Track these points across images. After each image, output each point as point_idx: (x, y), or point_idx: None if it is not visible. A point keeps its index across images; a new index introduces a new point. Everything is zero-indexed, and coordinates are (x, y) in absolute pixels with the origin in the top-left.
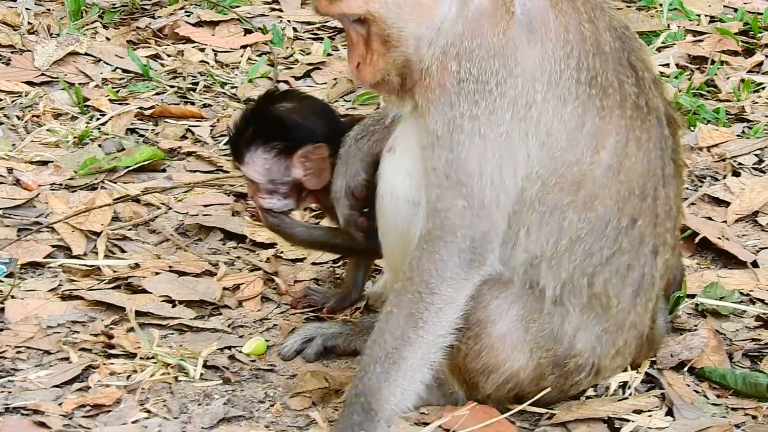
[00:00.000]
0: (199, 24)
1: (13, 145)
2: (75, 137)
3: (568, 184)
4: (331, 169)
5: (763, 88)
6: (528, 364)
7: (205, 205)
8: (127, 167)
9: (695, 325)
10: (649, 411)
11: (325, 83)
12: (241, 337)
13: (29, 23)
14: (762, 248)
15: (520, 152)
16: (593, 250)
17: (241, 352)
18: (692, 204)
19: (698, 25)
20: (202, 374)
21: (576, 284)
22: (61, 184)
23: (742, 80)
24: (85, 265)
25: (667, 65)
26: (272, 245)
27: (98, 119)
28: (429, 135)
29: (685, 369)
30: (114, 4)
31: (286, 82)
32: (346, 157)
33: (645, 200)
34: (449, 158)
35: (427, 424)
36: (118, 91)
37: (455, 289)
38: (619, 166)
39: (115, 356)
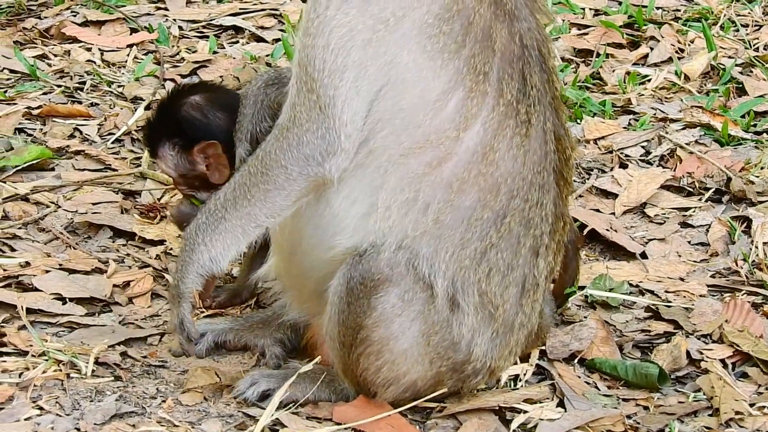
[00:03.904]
0: (86, 24)
1: None
2: None
3: (427, 154)
4: (230, 165)
5: (649, 80)
6: (427, 374)
7: (94, 203)
8: (16, 166)
9: (585, 317)
10: (540, 402)
11: (212, 81)
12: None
13: None
14: (650, 240)
15: (359, 60)
16: (464, 239)
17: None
18: (580, 196)
19: (583, 18)
20: (93, 371)
21: (464, 281)
22: None
23: (628, 73)
24: None
25: (555, 64)
26: (161, 242)
27: None
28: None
29: (576, 360)
30: (0, 5)
31: (172, 80)
32: (254, 100)
33: (513, 199)
34: (305, 43)
35: (318, 419)
36: (5, 92)
37: (286, 178)
38: (482, 156)
39: (7, 354)
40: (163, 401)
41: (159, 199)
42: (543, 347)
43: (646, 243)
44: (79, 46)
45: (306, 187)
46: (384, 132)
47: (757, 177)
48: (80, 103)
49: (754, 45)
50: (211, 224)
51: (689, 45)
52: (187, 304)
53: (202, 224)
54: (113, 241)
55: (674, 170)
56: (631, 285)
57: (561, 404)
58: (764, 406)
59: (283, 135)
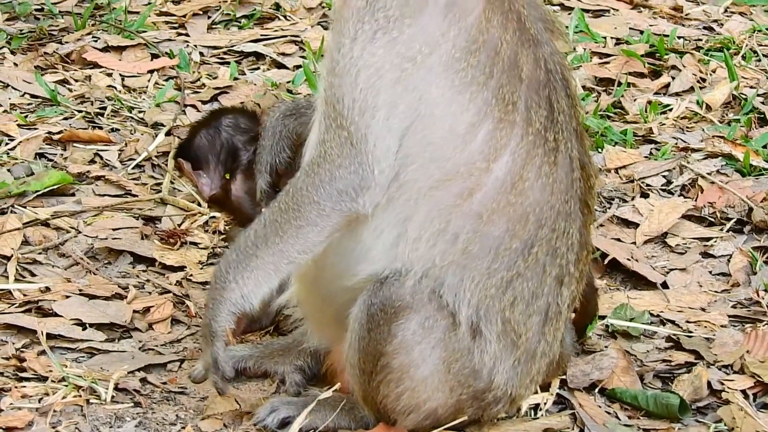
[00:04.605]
0: (106, 49)
1: None
2: None
3: (456, 185)
4: (200, 183)
5: (671, 110)
6: (448, 402)
7: (114, 229)
8: (37, 191)
9: (605, 346)
10: (560, 431)
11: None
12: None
13: None
14: (671, 269)
15: (389, 99)
16: (491, 269)
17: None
18: (601, 225)
19: (604, 47)
20: (113, 397)
21: (488, 309)
22: None
23: (649, 102)
24: None
25: (576, 91)
26: (181, 268)
27: (7, 144)
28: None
29: (596, 390)
30: (21, 30)
31: (193, 106)
32: (272, 131)
33: (541, 229)
34: (332, 82)
35: None
36: (26, 116)
37: (319, 214)
38: (512, 186)
39: (27, 379)
40: (183, 428)
41: (179, 225)
42: (564, 376)
43: (667, 273)
44: (100, 72)
45: (339, 222)
46: (414, 165)
47: None
48: (101, 128)
49: None
50: (243, 261)
51: (711, 75)
52: (221, 343)
53: (233, 261)
54: (133, 267)
55: (695, 200)
56: (652, 315)
57: None
58: None
59: (314, 171)
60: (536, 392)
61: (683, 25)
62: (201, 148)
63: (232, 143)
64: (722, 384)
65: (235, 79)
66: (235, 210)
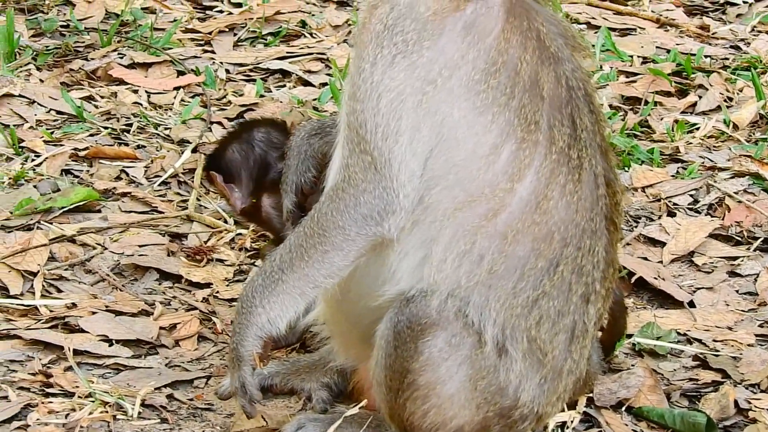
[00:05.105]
0: (132, 66)
1: None
2: (10, 178)
3: (481, 206)
4: (232, 196)
5: (697, 129)
6: (474, 419)
7: (141, 246)
8: (63, 208)
9: (632, 365)
10: None
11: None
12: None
13: None
14: (698, 288)
15: (412, 123)
16: (517, 288)
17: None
18: (628, 244)
19: (631, 66)
20: (140, 413)
21: (514, 328)
22: None
23: (676, 121)
24: (22, 305)
25: (601, 106)
26: (208, 285)
27: (33, 160)
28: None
29: (623, 408)
30: (47, 46)
31: (219, 123)
32: (298, 151)
33: (566, 247)
34: (354, 107)
35: None
36: (52, 133)
37: (344, 239)
38: (536, 205)
39: (54, 395)
40: None
41: (205, 242)
42: (591, 394)
43: (694, 292)
44: (126, 88)
45: (364, 246)
46: (438, 187)
47: None
48: (127, 145)
49: None
50: (269, 286)
51: (738, 94)
52: (248, 367)
53: (259, 286)
54: (159, 284)
55: (722, 219)
56: (678, 333)
57: None
58: None
59: (338, 196)
60: (563, 410)
61: (710, 44)
62: (233, 162)
63: (265, 158)
64: (749, 403)
65: (261, 96)
66: (264, 223)
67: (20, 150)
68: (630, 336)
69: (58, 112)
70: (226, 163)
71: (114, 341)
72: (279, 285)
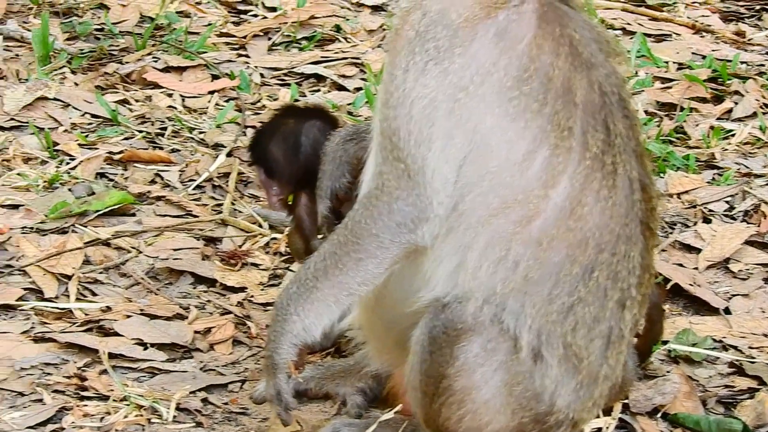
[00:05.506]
0: (167, 69)
1: None
2: (45, 181)
3: (515, 213)
4: (269, 192)
5: (733, 135)
6: (509, 425)
7: (175, 249)
8: (97, 211)
9: (668, 371)
10: None
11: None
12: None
13: None
14: (734, 295)
15: (445, 130)
16: (552, 295)
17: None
18: (663, 251)
19: (666, 71)
20: (174, 417)
21: (550, 334)
22: (32, 228)
23: (712, 127)
24: (57, 308)
25: (636, 111)
26: (242, 289)
27: (68, 163)
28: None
29: (659, 415)
30: (82, 50)
31: (253, 127)
32: (333, 156)
33: (602, 253)
34: (387, 114)
35: None
36: (87, 136)
37: (378, 246)
38: (570, 211)
39: (89, 398)
40: None
41: (240, 246)
42: (626, 401)
43: (730, 298)
44: (161, 92)
45: (398, 254)
46: (472, 194)
47: None
48: (161, 148)
49: None
50: (303, 294)
51: None
52: (283, 375)
53: (294, 294)
54: (194, 288)
55: (758, 226)
56: (714, 340)
57: None
58: None
59: (372, 203)
60: (599, 416)
61: (746, 51)
62: (279, 163)
63: (311, 163)
64: None
65: (296, 100)
66: (295, 224)
67: (55, 153)
68: (665, 342)
69: (93, 116)
70: (272, 161)
71: (149, 345)
72: (313, 293)
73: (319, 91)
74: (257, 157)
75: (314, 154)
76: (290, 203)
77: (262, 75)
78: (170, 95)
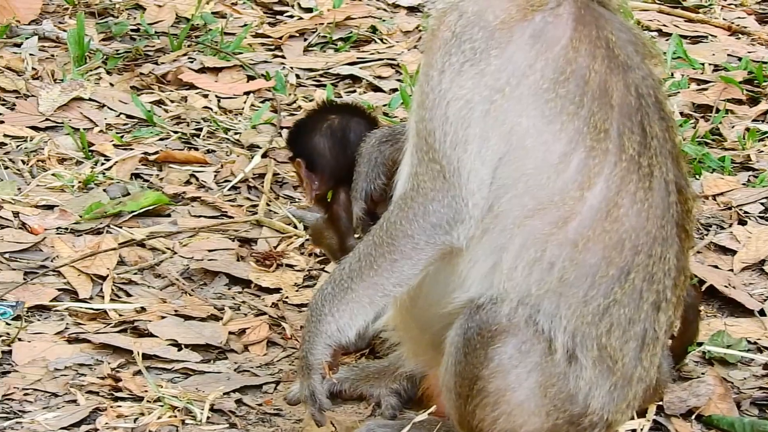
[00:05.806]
0: (202, 70)
1: (19, 189)
2: (80, 182)
3: (551, 214)
4: (309, 186)
5: None
6: (544, 426)
7: (210, 250)
8: (132, 212)
9: (702, 373)
10: None
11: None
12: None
13: (33, 69)
14: None
15: (480, 132)
16: (588, 296)
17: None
18: (698, 252)
19: (702, 73)
20: (208, 417)
21: (584, 335)
22: (66, 228)
23: (747, 129)
24: (92, 309)
25: (672, 113)
26: (277, 290)
27: (103, 164)
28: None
29: (693, 417)
30: (117, 50)
31: (289, 128)
32: (368, 158)
33: (637, 255)
34: (422, 115)
35: None
36: (122, 137)
37: (413, 247)
38: (607, 213)
39: (122, 399)
40: None
41: (275, 247)
42: (660, 402)
43: (765, 300)
44: (196, 93)
45: (433, 255)
46: (508, 196)
47: None
48: (197, 149)
49: None
50: (338, 295)
51: None
52: (318, 376)
53: (329, 295)
54: (229, 289)
55: None
56: (749, 342)
57: None
58: None
59: (407, 204)
60: (633, 418)
61: None
62: (324, 157)
63: (353, 163)
64: None
65: (331, 101)
66: (332, 221)
67: (90, 154)
68: (700, 344)
69: (128, 116)
70: (316, 156)
71: (183, 346)
72: (348, 294)
73: (354, 92)
74: (300, 150)
75: (357, 159)
76: (328, 200)
77: (297, 76)
78: (206, 96)
